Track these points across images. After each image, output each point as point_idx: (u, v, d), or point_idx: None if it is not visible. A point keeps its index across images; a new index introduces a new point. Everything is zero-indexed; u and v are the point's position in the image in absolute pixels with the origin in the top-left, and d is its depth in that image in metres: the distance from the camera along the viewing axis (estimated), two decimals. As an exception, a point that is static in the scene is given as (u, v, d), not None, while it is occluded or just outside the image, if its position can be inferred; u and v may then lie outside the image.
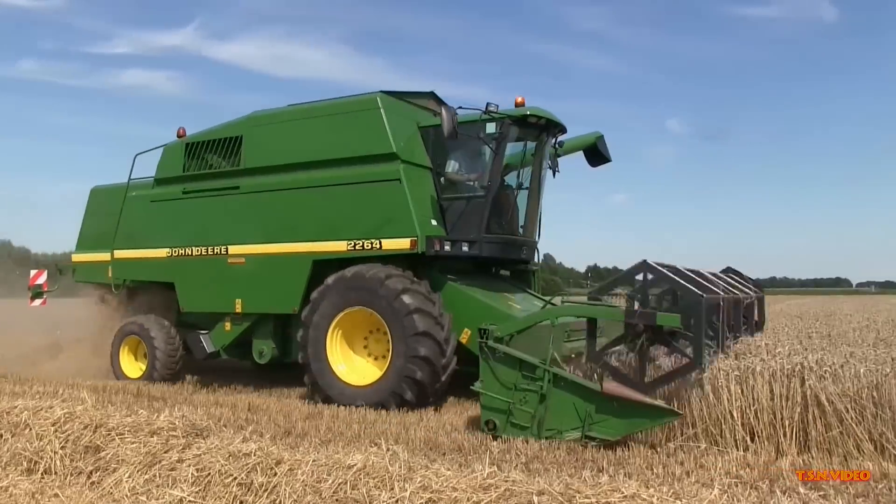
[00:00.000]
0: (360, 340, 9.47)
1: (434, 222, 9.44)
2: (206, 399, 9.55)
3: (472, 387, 7.22)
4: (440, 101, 10.83)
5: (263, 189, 10.35)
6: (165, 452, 5.62)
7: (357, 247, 9.48)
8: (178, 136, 11.52)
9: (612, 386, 6.82)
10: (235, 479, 5.11)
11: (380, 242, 9.33)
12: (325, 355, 9.15)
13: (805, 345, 8.33)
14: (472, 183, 9.90)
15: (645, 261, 7.18)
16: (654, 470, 5.76)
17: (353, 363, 9.30)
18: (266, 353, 10.51)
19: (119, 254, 11.78)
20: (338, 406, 9.06)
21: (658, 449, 6.48)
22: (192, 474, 5.25)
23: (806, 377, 6.45)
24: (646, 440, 6.79)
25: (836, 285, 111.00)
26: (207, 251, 10.75)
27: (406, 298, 8.67)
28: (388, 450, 5.40)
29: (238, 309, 10.41)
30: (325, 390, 9.07)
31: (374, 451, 5.37)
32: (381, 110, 9.63)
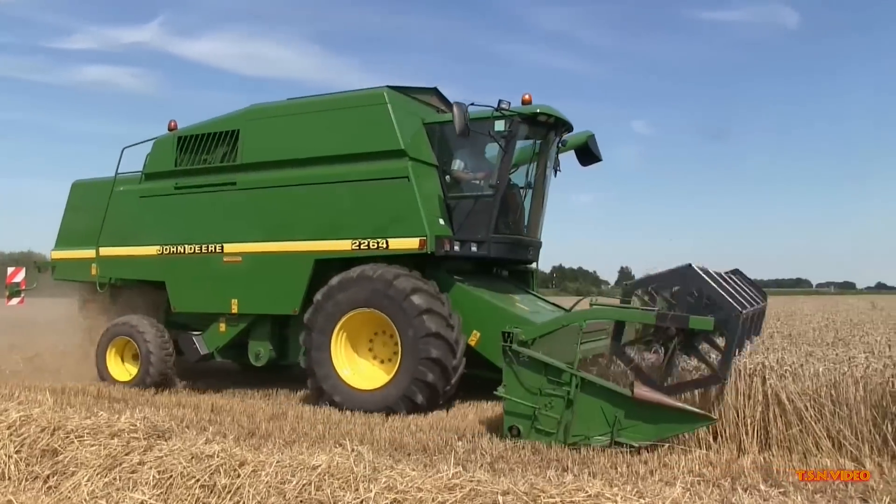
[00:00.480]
0: (365, 343, 9.29)
1: (441, 222, 9.28)
2: (168, 400, 9.45)
3: (495, 392, 7.04)
4: (443, 98, 10.84)
5: (262, 185, 10.08)
6: (126, 455, 5.55)
7: (362, 246, 9.29)
8: (170, 130, 11.20)
9: (643, 391, 6.68)
10: (198, 480, 5.06)
11: (386, 242, 9.15)
12: (329, 358, 8.96)
13: (767, 344, 8.46)
14: (478, 182, 9.77)
15: (689, 265, 7.07)
16: (619, 469, 5.81)
17: (357, 366, 9.14)
18: (263, 356, 10.27)
19: (105, 251, 11.38)
20: (302, 406, 9.02)
21: (623, 448, 6.44)
22: (153, 477, 5.19)
23: (767, 376, 6.49)
24: None
25: (797, 286, 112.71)
26: (201, 249, 10.47)
27: (416, 299, 8.50)
28: (352, 450, 5.38)
29: (234, 309, 10.16)
30: (329, 394, 8.90)
31: (338, 452, 5.36)
32: (388, 105, 9.39)
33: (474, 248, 9.39)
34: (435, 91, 10.85)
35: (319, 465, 4.97)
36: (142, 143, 11.49)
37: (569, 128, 10.15)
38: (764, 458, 6.00)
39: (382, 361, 9.16)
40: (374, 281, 8.70)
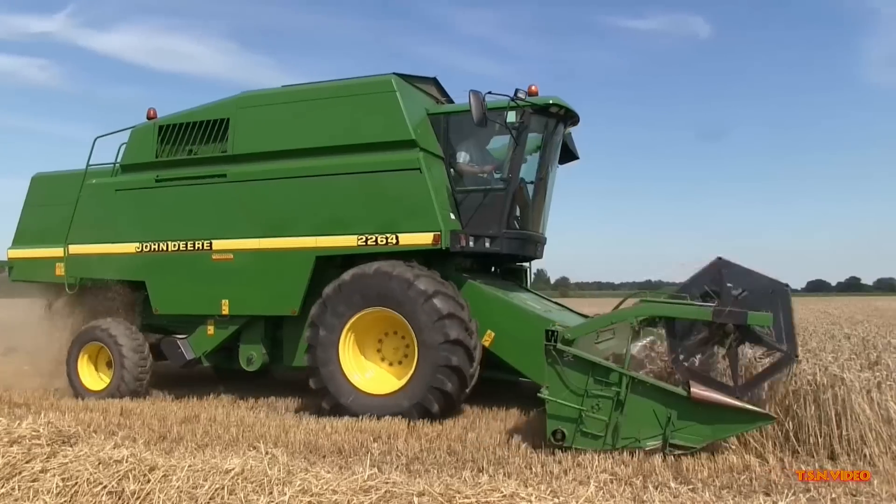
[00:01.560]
0: (373, 344, 9.01)
1: (452, 216, 9.05)
2: (74, 404, 9.35)
3: (538, 394, 6.82)
4: (441, 88, 10.67)
5: (256, 178, 9.70)
6: (27, 462, 5.40)
7: (369, 241, 8.96)
8: (149, 118, 10.73)
9: (699, 390, 6.48)
10: (105, 487, 4.97)
11: (396, 237, 8.85)
12: (337, 360, 8.64)
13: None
14: (484, 175, 9.61)
15: (719, 258, 7.05)
16: (533, 469, 6.00)
17: (365, 369, 8.87)
18: (255, 360, 9.88)
19: (75, 249, 10.75)
20: (215, 408, 8.98)
21: (538, 448, 6.68)
22: (56, 484, 5.06)
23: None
24: (532, 440, 7.01)
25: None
26: (187, 246, 10.01)
27: (438, 302, 8.23)
28: (266, 453, 5.37)
29: (225, 311, 9.76)
30: (335, 398, 8.60)
31: (252, 455, 5.34)
32: (397, 93, 9.11)
33: (487, 244, 9.20)
34: (434, 81, 10.58)
35: (232, 469, 4.94)
36: (116, 132, 11.00)
37: (576, 120, 10.06)
38: (675, 457, 6.13)
39: (392, 364, 8.94)
40: (392, 279, 8.40)
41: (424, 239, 8.70)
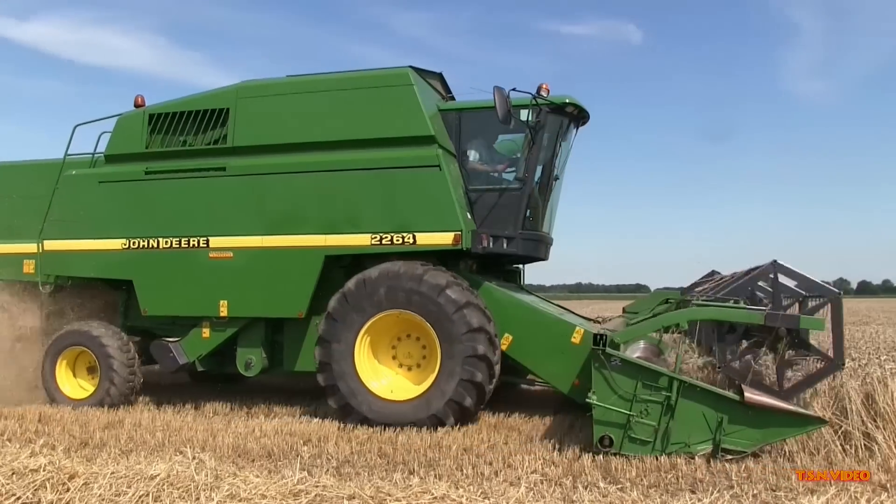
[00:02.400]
0: (388, 346, 8.84)
1: (469, 216, 8.93)
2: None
3: (586, 399, 6.81)
4: (445, 84, 10.55)
5: (260, 171, 9.36)
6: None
7: (384, 241, 8.75)
8: (137, 106, 10.29)
9: (752, 393, 6.54)
10: (20, 498, 4.96)
11: (413, 236, 8.65)
12: (351, 360, 8.43)
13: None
14: (497, 174, 9.62)
15: (775, 261, 7.22)
16: (464, 471, 6.15)
17: (378, 372, 8.67)
18: (255, 364, 9.54)
19: (51, 245, 10.17)
20: (140, 413, 8.88)
21: (469, 450, 6.90)
22: (-38, 500, 4.84)
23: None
24: (462, 443, 7.18)
25: (638, 290, 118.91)
26: (181, 243, 9.56)
27: (469, 314, 8.13)
28: (193, 458, 5.33)
29: (223, 312, 9.37)
30: (345, 398, 8.39)
31: (178, 460, 5.33)
32: (415, 87, 8.95)
33: (504, 245, 9.13)
34: (440, 76, 10.41)
35: (158, 475, 4.95)
36: (98, 120, 10.49)
37: (586, 120, 10.03)
38: (604, 457, 6.32)
39: (410, 368, 8.79)
40: (422, 283, 8.22)
41: (444, 239, 8.56)
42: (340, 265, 9.10)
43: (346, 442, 7.30)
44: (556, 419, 8.56)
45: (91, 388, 9.74)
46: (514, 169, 9.55)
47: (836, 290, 6.97)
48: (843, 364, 6.86)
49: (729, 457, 6.36)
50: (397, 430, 7.93)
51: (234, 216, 9.37)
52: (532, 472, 6.05)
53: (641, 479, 5.87)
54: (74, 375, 9.96)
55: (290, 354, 9.51)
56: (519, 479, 5.80)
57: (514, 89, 8.59)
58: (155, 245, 9.65)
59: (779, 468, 6.11)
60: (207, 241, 9.41)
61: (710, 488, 5.56)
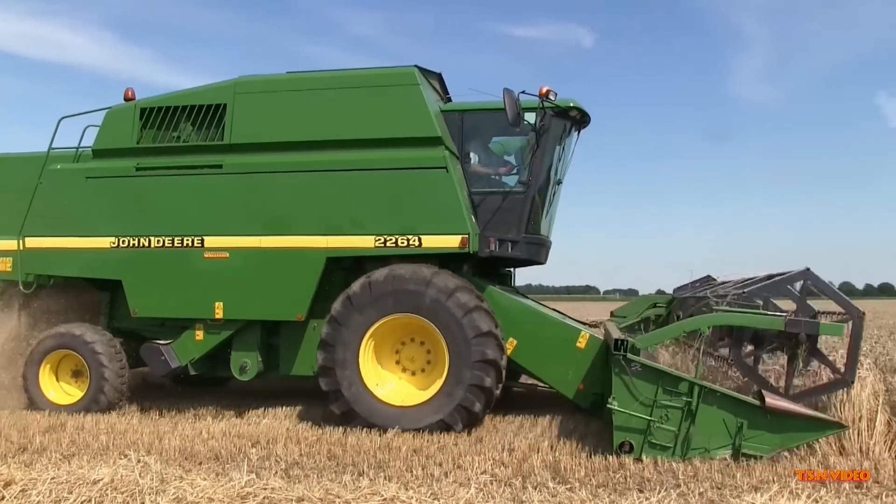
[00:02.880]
0: (391, 350, 8.69)
1: (473, 218, 8.81)
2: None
3: (608, 404, 6.83)
4: (444, 85, 10.41)
5: (258, 170, 9.10)
6: None
7: (388, 243, 8.61)
8: (126, 100, 9.88)
9: (772, 399, 6.67)
10: None
11: (419, 239, 8.54)
12: (356, 364, 8.26)
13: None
14: (499, 177, 9.53)
15: (808, 269, 7.18)
16: (414, 472, 6.17)
17: (382, 377, 8.52)
18: (250, 368, 9.24)
19: (33, 242, 9.72)
20: (83, 416, 8.62)
21: (418, 451, 6.91)
22: None
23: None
24: (412, 444, 7.19)
25: (586, 292, 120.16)
26: (174, 242, 9.22)
27: (478, 318, 8.05)
28: (138, 461, 5.23)
29: (218, 314, 9.07)
30: (349, 403, 8.19)
31: (123, 464, 5.25)
32: (421, 87, 8.84)
33: (509, 249, 9.02)
34: (439, 77, 10.24)
35: (101, 479, 4.85)
36: (85, 113, 10.12)
37: (587, 123, 9.88)
38: (553, 457, 6.35)
39: (414, 373, 8.67)
40: (430, 286, 8.12)
41: (450, 242, 8.47)
42: (341, 267, 8.95)
43: (296, 444, 7.22)
44: (505, 420, 8.56)
45: (77, 394, 9.35)
46: (516, 172, 9.44)
47: (861, 310, 6.93)
48: (853, 381, 6.89)
49: (748, 461, 6.40)
50: (346, 431, 7.88)
51: (230, 215, 9.10)
52: (482, 473, 6.08)
53: (590, 479, 5.96)
54: (57, 380, 9.54)
55: (286, 358, 9.26)
56: (469, 479, 5.84)
57: (523, 92, 8.49)
58: (146, 244, 9.31)
59: (724, 467, 6.26)
60: (202, 240, 9.12)
61: (658, 487, 5.68)
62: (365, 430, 7.95)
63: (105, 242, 9.42)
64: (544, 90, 8.78)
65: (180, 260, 9.18)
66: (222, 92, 9.37)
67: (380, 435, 7.71)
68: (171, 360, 9.27)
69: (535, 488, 5.64)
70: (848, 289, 64.74)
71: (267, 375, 9.49)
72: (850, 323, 6.92)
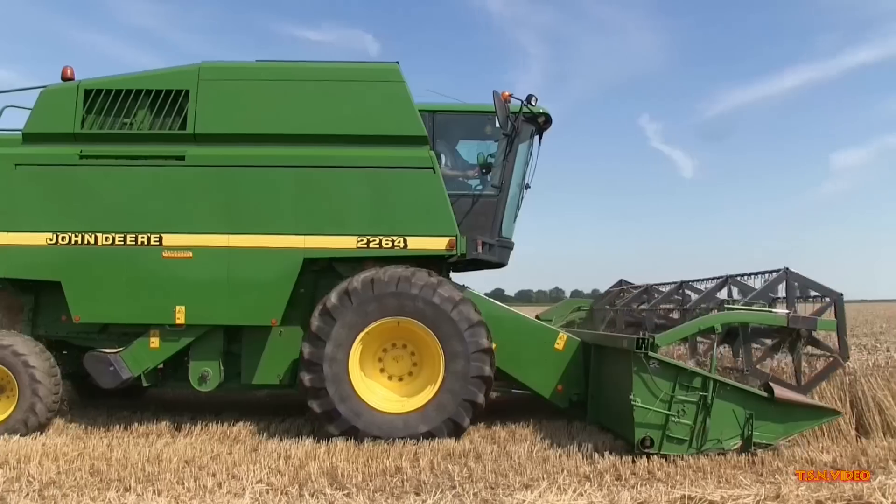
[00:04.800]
0: (374, 360, 8.35)
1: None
2: None
3: (630, 399, 7.01)
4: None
5: (228, 163, 8.47)
6: None
7: (371, 244, 8.35)
8: (65, 79, 8.82)
9: (780, 390, 7.21)
10: None
11: (404, 240, 8.36)
12: (347, 378, 7.92)
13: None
14: (467, 179, 9.51)
15: (786, 268, 7.96)
16: (186, 484, 6.00)
17: (371, 386, 8.20)
18: (211, 378, 8.58)
19: None
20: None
21: (191, 462, 6.73)
22: None
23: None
24: (184, 455, 6.94)
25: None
26: (126, 240, 8.34)
27: (465, 310, 8.01)
28: None
29: (179, 319, 8.31)
30: (348, 421, 7.82)
31: None
32: (406, 84, 8.64)
33: (487, 251, 9.11)
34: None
35: None
36: (13, 91, 9.10)
37: (548, 127, 9.98)
38: (331, 463, 6.37)
39: (398, 379, 8.39)
40: (412, 285, 8.00)
41: (437, 244, 8.38)
42: (311, 269, 8.57)
43: (52, 461, 6.71)
44: (283, 426, 8.51)
45: (8, 413, 8.12)
46: (487, 175, 9.46)
47: (839, 292, 7.72)
48: (849, 357, 7.80)
49: (758, 450, 6.92)
50: (111, 444, 7.48)
51: (194, 211, 8.43)
52: (257, 482, 6.01)
53: (367, 484, 6.03)
54: None
55: (248, 366, 8.76)
56: (244, 489, 5.77)
57: (511, 95, 8.73)
58: (92, 241, 8.38)
59: (498, 467, 6.54)
60: (160, 238, 8.36)
61: (434, 489, 5.83)
62: (133, 443, 7.57)
63: (39, 239, 8.40)
64: (507, 94, 8.96)
65: (134, 259, 8.37)
66: (184, 77, 8.70)
67: (149, 446, 7.36)
68: (121, 370, 8.39)
69: (312, 495, 5.67)
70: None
71: (227, 386, 8.86)
72: (834, 305, 7.71)
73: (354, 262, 8.55)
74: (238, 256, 8.35)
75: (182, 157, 8.50)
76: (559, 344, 8.85)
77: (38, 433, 8.06)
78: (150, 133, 8.61)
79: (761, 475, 6.34)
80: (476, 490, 5.82)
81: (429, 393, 8.04)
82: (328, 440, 7.60)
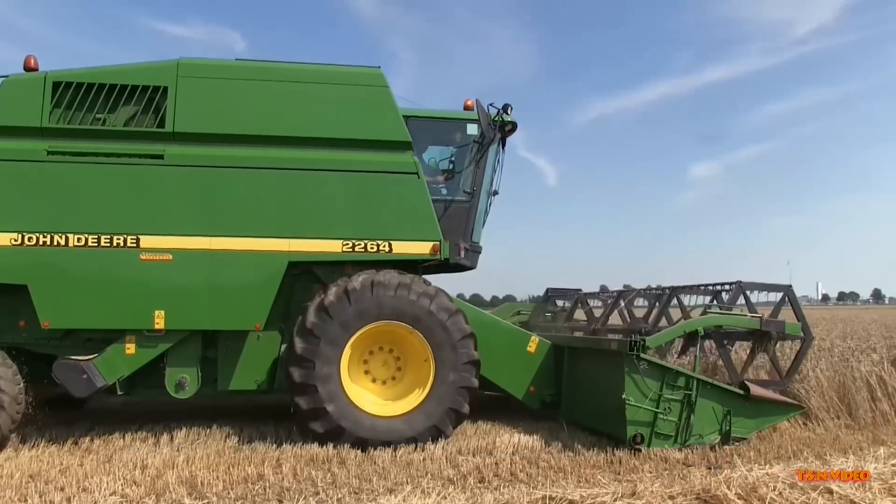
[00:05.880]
0: (359, 362, 8.43)
1: None
2: None
3: (623, 398, 7.58)
4: None
5: (210, 164, 8.23)
6: None
7: (356, 248, 8.39)
8: (28, 69, 8.28)
9: (756, 388, 8.00)
10: None
11: (389, 245, 8.44)
12: (338, 378, 7.96)
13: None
14: (439, 185, 9.57)
15: (739, 282, 8.87)
16: (30, 500, 5.82)
17: (359, 391, 8.29)
18: (189, 385, 8.33)
19: None
20: None
21: (36, 476, 6.45)
22: None
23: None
24: (29, 468, 6.61)
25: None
26: (100, 241, 7.92)
27: (460, 320, 8.30)
28: None
29: (158, 324, 7.97)
30: (335, 420, 7.84)
31: None
32: (390, 89, 8.70)
33: (463, 256, 9.29)
34: None
35: None
36: None
37: (511, 135, 10.30)
38: (190, 472, 6.24)
39: (382, 382, 8.53)
40: (410, 291, 8.16)
41: (422, 248, 8.54)
42: (291, 273, 8.44)
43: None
44: (139, 434, 8.27)
45: None
46: (455, 180, 9.61)
47: (788, 284, 8.87)
48: (813, 337, 9.04)
49: (735, 444, 7.65)
50: None
51: (173, 212, 8.11)
52: (111, 495, 5.83)
53: (228, 493, 5.96)
54: None
55: (224, 372, 8.54)
56: (95, 502, 5.61)
57: (491, 104, 9.12)
58: (62, 242, 7.87)
59: (362, 472, 6.62)
60: (137, 239, 7.97)
61: (297, 496, 5.84)
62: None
63: (2, 239, 7.82)
64: (471, 101, 9.32)
65: (109, 261, 7.94)
66: (161, 73, 8.35)
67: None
68: (94, 378, 7.88)
69: (172, 506, 5.56)
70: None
71: (202, 393, 8.53)
72: (788, 296, 8.86)
73: (334, 266, 8.58)
74: (220, 259, 8.15)
75: (161, 156, 8.20)
76: (531, 347, 9.23)
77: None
78: (127, 130, 8.26)
79: (619, 474, 6.67)
80: (340, 496, 5.83)
81: (416, 399, 8.19)
82: (192, 447, 7.52)
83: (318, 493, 5.90)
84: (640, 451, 7.44)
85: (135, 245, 8.02)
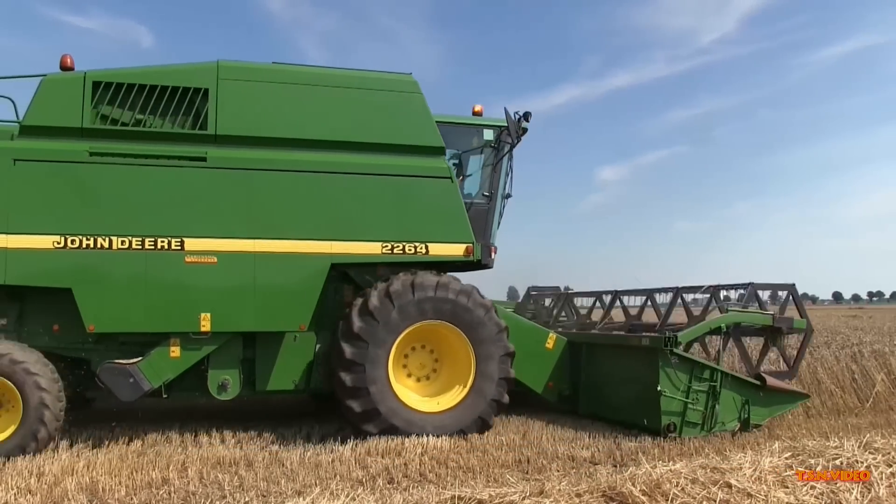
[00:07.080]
0: (399, 361, 8.74)
1: None
2: None
3: (658, 390, 8.27)
4: None
5: (252, 167, 8.30)
6: None
7: (395, 250, 8.63)
8: (65, 68, 8.14)
9: (771, 379, 8.79)
10: None
11: (426, 247, 8.74)
12: (386, 378, 8.26)
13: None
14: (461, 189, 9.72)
15: (752, 283, 9.44)
16: None
17: (403, 389, 8.64)
18: (231, 387, 8.46)
19: None
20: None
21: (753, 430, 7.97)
22: None
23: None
24: None
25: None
26: (144, 244, 7.88)
27: (495, 315, 8.73)
28: None
29: (204, 327, 7.99)
30: (388, 420, 8.18)
31: None
32: (422, 95, 8.97)
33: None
34: None
35: None
36: (10, 78, 8.20)
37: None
38: (90, 478, 6.12)
39: (417, 380, 8.92)
40: (448, 290, 8.52)
41: (455, 250, 8.87)
42: (339, 273, 8.78)
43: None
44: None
45: (12, 430, 7.43)
46: (476, 184, 9.99)
47: (791, 283, 9.58)
48: (813, 329, 9.65)
49: (754, 430, 8.48)
50: None
51: (217, 215, 8.14)
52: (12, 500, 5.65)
53: (131, 498, 5.83)
54: None
55: (262, 372, 8.63)
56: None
57: (506, 109, 9.54)
58: (105, 244, 7.79)
59: (270, 474, 6.56)
60: (182, 242, 7.99)
61: (203, 500, 5.76)
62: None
63: (45, 242, 7.68)
64: (479, 107, 9.94)
65: (154, 264, 7.92)
66: (202, 75, 8.39)
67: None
68: (141, 382, 7.88)
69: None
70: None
71: (244, 394, 8.66)
72: (792, 294, 9.57)
73: (367, 268, 8.83)
74: (264, 261, 8.23)
75: (203, 158, 8.20)
76: (549, 343, 9.80)
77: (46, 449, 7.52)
78: (169, 132, 8.24)
79: (527, 473, 6.80)
80: (247, 499, 5.76)
81: (458, 393, 8.58)
82: (93, 452, 7.36)
83: (224, 497, 5.81)
84: (674, 438, 8.10)
85: (179, 247, 8.03)
